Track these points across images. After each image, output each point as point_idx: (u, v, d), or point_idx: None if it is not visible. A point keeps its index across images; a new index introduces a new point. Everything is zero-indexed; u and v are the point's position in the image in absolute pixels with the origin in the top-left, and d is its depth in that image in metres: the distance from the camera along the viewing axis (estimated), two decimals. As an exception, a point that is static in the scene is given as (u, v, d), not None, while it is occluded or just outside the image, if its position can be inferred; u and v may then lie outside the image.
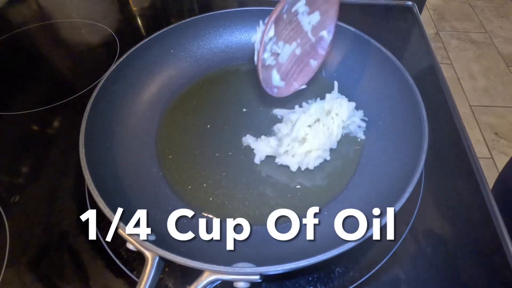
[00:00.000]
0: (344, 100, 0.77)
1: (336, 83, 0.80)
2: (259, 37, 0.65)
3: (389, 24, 1.16)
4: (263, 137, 0.77)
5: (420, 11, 1.24)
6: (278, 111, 0.84)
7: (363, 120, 0.79)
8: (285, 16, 0.66)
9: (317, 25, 0.72)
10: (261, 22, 0.66)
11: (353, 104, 0.78)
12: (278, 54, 0.69)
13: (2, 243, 0.67)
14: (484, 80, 2.80)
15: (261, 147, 0.75)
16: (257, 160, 0.76)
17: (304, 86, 0.79)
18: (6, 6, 1.25)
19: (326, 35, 0.74)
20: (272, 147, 0.75)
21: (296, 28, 0.70)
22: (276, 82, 0.70)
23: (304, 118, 0.72)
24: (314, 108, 0.75)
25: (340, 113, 0.75)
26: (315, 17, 0.70)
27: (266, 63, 0.67)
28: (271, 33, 0.65)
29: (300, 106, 0.80)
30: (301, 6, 0.67)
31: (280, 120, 0.82)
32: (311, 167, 0.74)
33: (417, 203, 0.72)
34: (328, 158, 0.75)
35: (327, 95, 0.78)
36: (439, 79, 0.96)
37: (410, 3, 1.21)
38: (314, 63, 0.74)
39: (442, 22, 3.39)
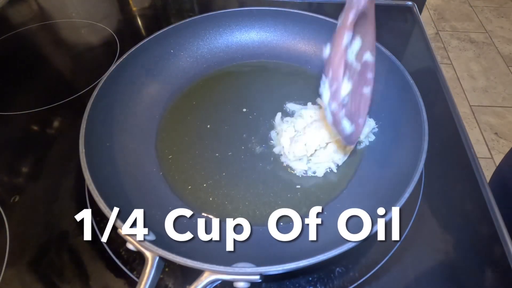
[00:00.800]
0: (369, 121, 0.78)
1: None
2: (329, 96, 0.55)
3: (389, 24, 1.16)
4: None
5: (420, 11, 1.24)
6: (291, 106, 0.85)
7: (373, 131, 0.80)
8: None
9: (360, 50, 0.62)
10: (324, 77, 0.55)
11: (372, 122, 0.78)
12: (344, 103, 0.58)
13: (2, 243, 0.67)
14: (484, 80, 2.81)
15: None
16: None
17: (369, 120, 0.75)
18: (6, 6, 1.25)
19: (370, 57, 0.65)
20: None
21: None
22: (348, 130, 0.59)
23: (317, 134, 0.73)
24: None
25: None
26: (357, 44, 0.61)
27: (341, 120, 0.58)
28: (348, 88, 0.56)
29: (314, 103, 0.81)
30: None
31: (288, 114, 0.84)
32: (319, 174, 0.74)
33: (417, 203, 0.72)
34: (335, 169, 0.75)
35: None
36: (439, 79, 0.96)
37: (410, 3, 1.21)
38: (367, 90, 0.66)
39: (442, 22, 3.39)
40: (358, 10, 0.55)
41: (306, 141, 0.73)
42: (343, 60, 0.53)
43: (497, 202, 0.72)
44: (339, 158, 0.74)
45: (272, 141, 0.80)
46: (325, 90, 0.54)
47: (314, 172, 0.74)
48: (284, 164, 0.76)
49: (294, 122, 0.79)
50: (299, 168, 0.75)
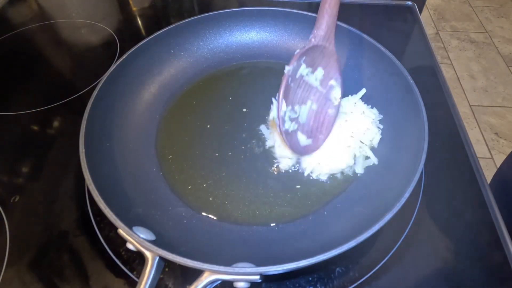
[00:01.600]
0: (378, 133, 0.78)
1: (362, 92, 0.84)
2: (275, 113, 0.68)
3: (389, 24, 1.16)
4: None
5: (420, 11, 1.24)
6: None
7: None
8: (292, 84, 0.69)
9: (324, 78, 0.75)
10: (273, 99, 0.69)
11: (379, 137, 0.78)
12: (297, 118, 0.72)
13: (2, 243, 0.67)
14: (484, 80, 2.81)
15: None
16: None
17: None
18: (6, 6, 1.25)
19: (335, 83, 0.76)
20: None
21: (306, 88, 0.73)
22: (303, 142, 0.73)
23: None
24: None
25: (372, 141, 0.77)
26: (320, 72, 0.74)
27: (289, 131, 0.70)
28: (284, 107, 0.68)
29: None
30: (303, 70, 0.71)
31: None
32: (323, 178, 0.74)
33: (417, 203, 0.72)
34: (339, 174, 0.75)
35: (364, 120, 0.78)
36: (439, 79, 0.96)
37: (410, 3, 1.21)
38: (332, 112, 0.77)
39: (442, 22, 3.40)
40: (309, 45, 0.71)
41: None
42: (284, 86, 0.67)
43: (497, 204, 0.72)
44: (345, 165, 0.74)
45: (262, 135, 0.81)
46: (274, 108, 0.69)
47: (319, 175, 0.74)
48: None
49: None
50: (285, 163, 0.76)
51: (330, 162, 0.73)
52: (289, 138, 0.70)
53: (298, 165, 0.76)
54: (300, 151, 0.73)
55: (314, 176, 0.74)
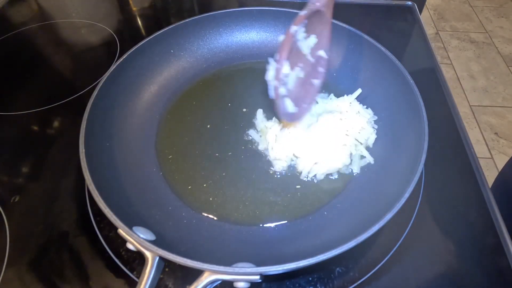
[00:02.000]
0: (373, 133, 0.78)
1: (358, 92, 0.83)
2: (273, 74, 0.66)
3: (389, 24, 1.16)
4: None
5: (420, 11, 1.24)
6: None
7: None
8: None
9: (315, 46, 0.74)
10: (271, 60, 0.66)
11: (374, 137, 0.78)
12: (287, 83, 0.70)
13: (2, 243, 0.67)
14: (484, 80, 2.81)
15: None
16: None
17: (314, 104, 0.81)
18: (6, 6, 1.25)
19: (324, 54, 0.76)
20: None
21: (297, 54, 0.71)
22: (291, 109, 0.71)
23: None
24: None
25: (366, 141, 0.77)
26: (312, 40, 0.72)
27: (282, 95, 0.69)
28: (287, 69, 0.66)
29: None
30: (301, 34, 0.69)
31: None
32: (320, 177, 0.74)
33: (417, 203, 0.72)
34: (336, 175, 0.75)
35: (358, 118, 0.78)
36: (439, 79, 0.96)
37: (410, 3, 1.21)
38: (317, 82, 0.76)
39: (442, 22, 3.40)
40: (314, 7, 0.67)
41: (289, 141, 0.75)
42: (289, 46, 0.64)
43: (499, 206, 0.72)
44: (341, 165, 0.74)
45: (250, 137, 0.81)
46: (271, 69, 0.65)
47: (314, 176, 0.74)
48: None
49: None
50: (279, 165, 0.75)
51: (327, 161, 0.73)
52: (282, 103, 0.69)
53: (293, 166, 0.76)
54: (289, 117, 0.72)
55: (310, 176, 0.74)
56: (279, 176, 0.75)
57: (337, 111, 0.78)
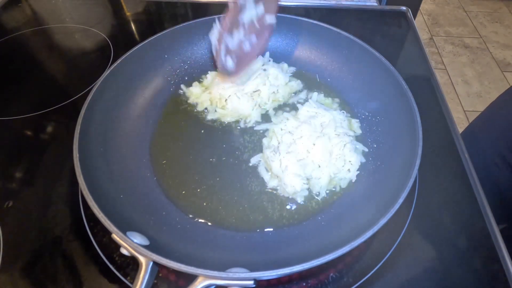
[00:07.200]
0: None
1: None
2: (216, 34, 0.76)
3: (384, 29, 1.16)
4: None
5: (414, 16, 1.25)
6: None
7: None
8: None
9: (261, 16, 0.81)
10: (217, 20, 0.77)
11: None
12: (228, 44, 0.79)
13: (-5, 249, 0.67)
14: (478, 85, 2.82)
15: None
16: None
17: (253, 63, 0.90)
18: None
19: (269, 19, 0.84)
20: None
21: (246, 18, 0.79)
22: (230, 65, 0.80)
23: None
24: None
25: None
26: (260, 8, 0.80)
27: (224, 53, 0.78)
28: (236, 36, 0.77)
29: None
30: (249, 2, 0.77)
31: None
32: (323, 193, 0.73)
33: (411, 208, 0.72)
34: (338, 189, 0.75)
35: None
36: (433, 84, 0.96)
37: (404, 8, 1.22)
38: (260, 45, 0.87)
39: (436, 27, 3.41)
40: None
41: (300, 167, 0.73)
42: (232, 15, 0.74)
43: (468, 152, 0.76)
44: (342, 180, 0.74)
45: (258, 140, 0.81)
46: (215, 29, 0.76)
47: (318, 194, 0.73)
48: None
49: (280, 134, 0.78)
50: (292, 191, 0.72)
51: (334, 171, 0.73)
52: (221, 59, 0.78)
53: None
54: (227, 72, 0.82)
55: (324, 192, 0.73)
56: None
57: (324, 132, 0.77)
